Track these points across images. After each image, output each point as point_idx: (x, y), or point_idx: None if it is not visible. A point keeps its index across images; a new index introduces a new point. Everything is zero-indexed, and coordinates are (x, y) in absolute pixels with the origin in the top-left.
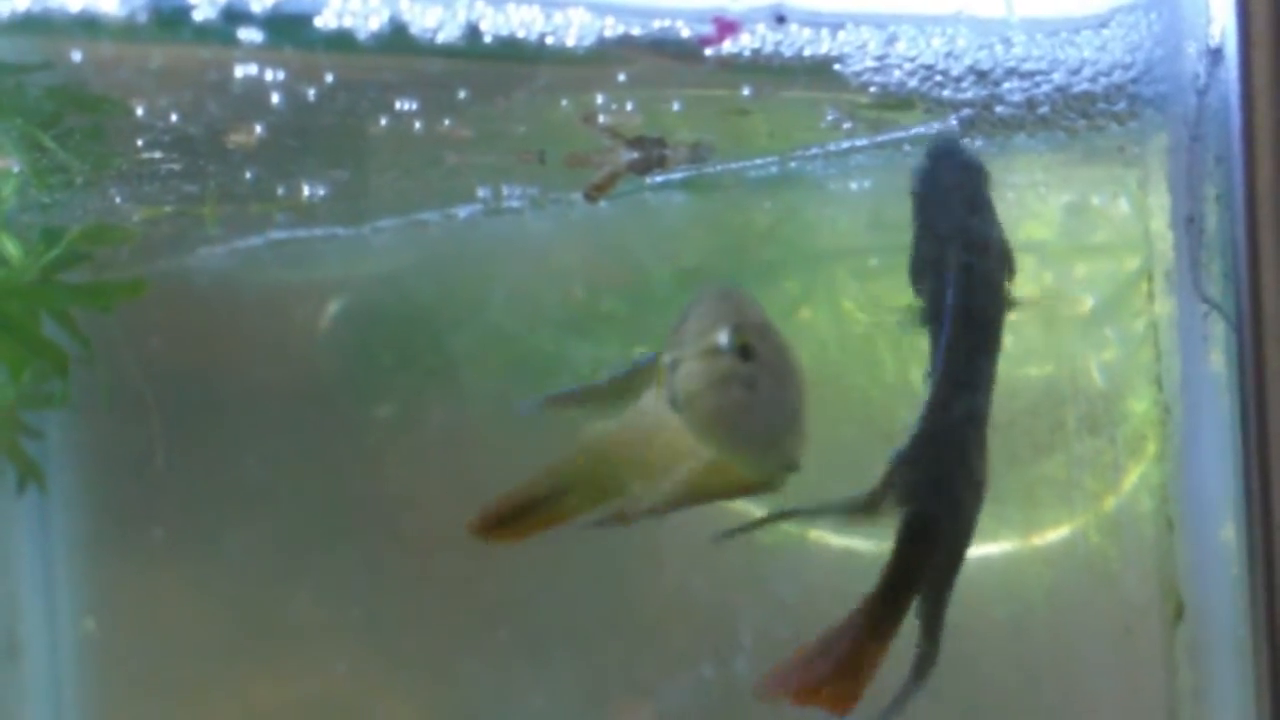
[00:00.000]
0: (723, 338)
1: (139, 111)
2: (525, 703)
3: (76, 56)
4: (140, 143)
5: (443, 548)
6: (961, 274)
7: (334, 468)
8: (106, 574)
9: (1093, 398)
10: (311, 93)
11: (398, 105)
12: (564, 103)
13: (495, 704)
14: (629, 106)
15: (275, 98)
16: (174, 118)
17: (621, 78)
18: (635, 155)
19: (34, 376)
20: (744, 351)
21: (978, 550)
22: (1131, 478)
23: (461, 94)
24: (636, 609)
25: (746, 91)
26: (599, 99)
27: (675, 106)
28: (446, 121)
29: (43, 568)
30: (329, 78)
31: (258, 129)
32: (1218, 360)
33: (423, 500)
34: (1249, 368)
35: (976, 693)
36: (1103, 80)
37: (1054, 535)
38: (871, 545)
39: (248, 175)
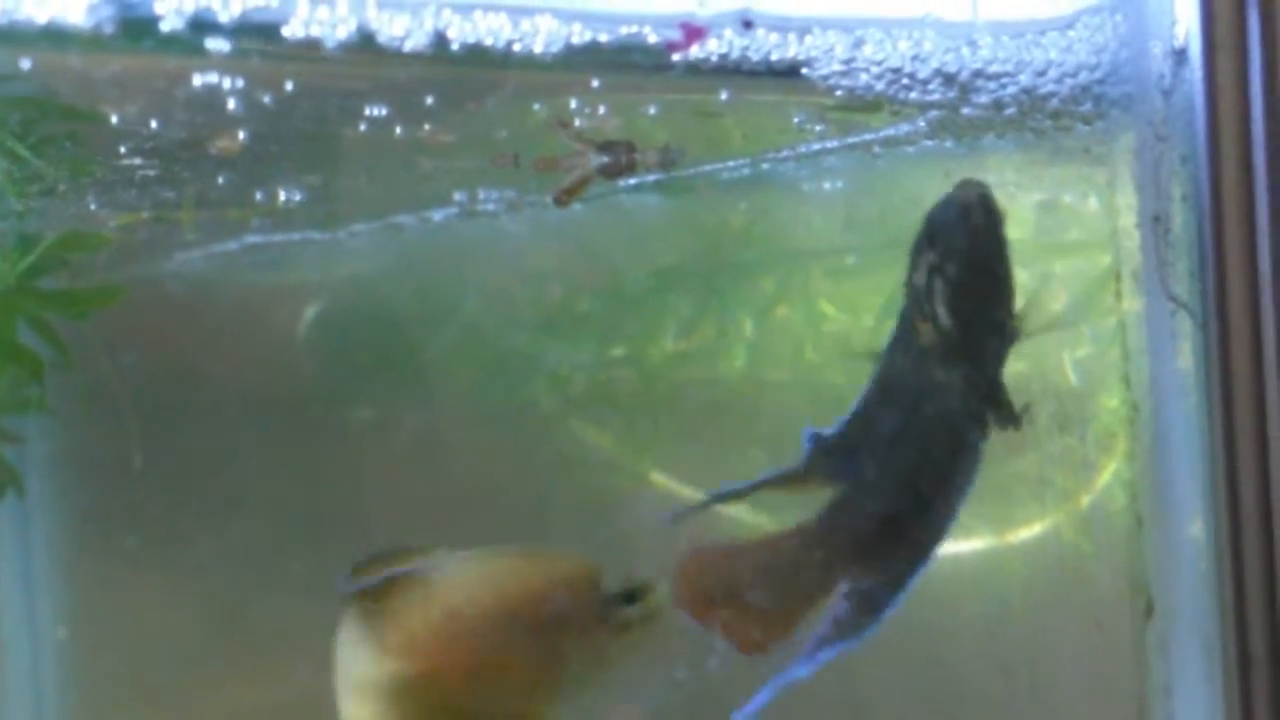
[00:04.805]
0: None
1: (114, 119)
2: None
3: (47, 66)
4: (123, 149)
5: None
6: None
7: (311, 471)
8: (86, 577)
9: (1064, 395)
10: (285, 99)
11: (371, 112)
12: (536, 107)
13: None
14: (600, 110)
15: (250, 104)
16: (153, 124)
17: (594, 83)
18: (605, 160)
19: (11, 382)
20: None
21: (951, 547)
22: (1103, 475)
23: (433, 100)
24: None
25: (715, 96)
26: (569, 104)
27: (648, 110)
28: (426, 126)
29: (22, 571)
30: (294, 85)
31: (240, 135)
32: (1185, 358)
33: (400, 502)
34: (1215, 366)
35: (950, 688)
36: (1069, 81)
37: (1027, 532)
38: None
39: (223, 181)
